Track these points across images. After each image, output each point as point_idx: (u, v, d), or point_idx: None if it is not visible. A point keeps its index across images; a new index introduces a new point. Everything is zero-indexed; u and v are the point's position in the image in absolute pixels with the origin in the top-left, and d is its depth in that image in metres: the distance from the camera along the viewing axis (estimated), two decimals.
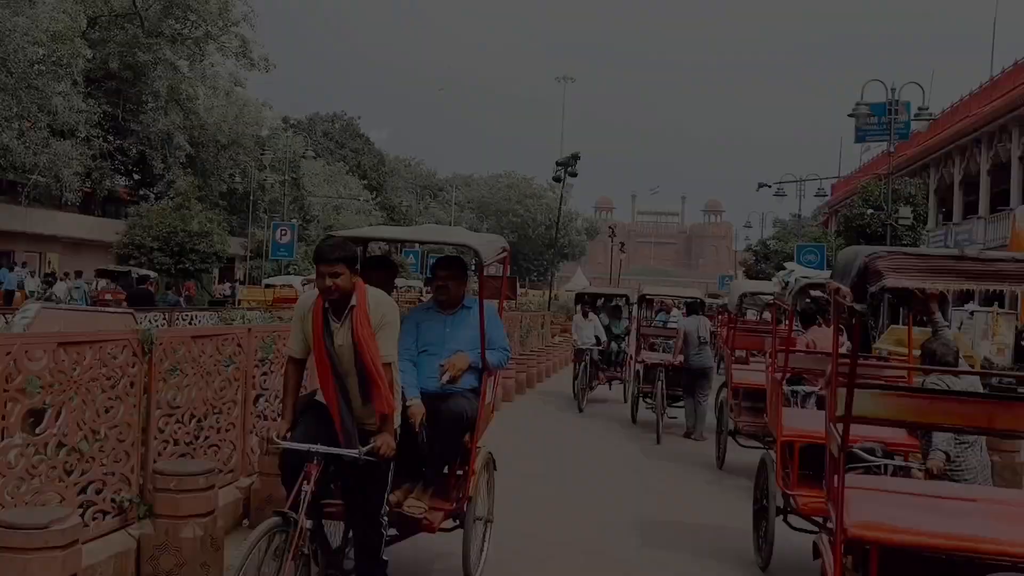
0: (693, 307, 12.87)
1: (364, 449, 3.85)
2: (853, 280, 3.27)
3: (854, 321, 3.91)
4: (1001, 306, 18.02)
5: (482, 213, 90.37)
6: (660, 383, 12.13)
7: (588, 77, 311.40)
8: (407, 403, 4.51)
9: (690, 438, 12.10)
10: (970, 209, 31.06)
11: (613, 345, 15.46)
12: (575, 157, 26.58)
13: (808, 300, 8.76)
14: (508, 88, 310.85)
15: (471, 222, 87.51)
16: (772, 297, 9.78)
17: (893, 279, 3.06)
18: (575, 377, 14.89)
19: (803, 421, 6.86)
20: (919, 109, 22.26)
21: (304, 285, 22.36)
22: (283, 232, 30.34)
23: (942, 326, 6.90)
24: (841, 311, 4.56)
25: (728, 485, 9.30)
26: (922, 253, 3.21)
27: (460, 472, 5.06)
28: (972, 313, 17.98)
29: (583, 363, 14.54)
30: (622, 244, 54.88)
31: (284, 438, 3.99)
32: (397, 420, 4.16)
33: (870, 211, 23.71)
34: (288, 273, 33.66)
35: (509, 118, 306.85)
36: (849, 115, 22.45)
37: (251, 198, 40.61)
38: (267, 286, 23.75)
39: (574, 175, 26.78)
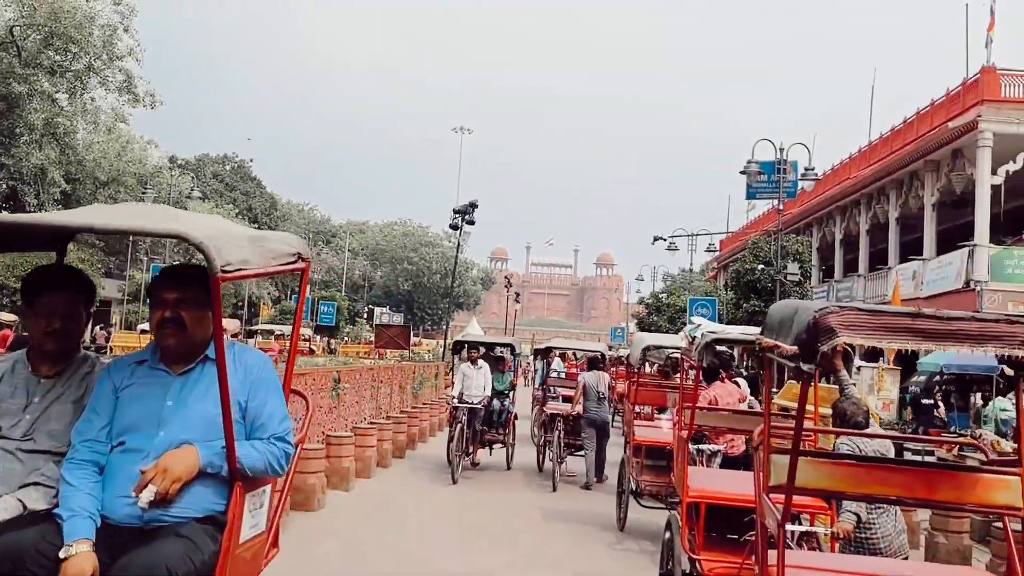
0: (594, 362, 13.12)
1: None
2: (799, 337, 2.90)
3: (800, 380, 3.56)
4: (885, 361, 18.51)
5: (376, 260, 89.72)
6: (558, 432, 12.37)
7: (485, 128, 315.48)
8: (65, 552, 2.51)
9: (588, 489, 12.22)
10: (850, 267, 32.31)
11: (495, 402, 13.34)
12: (473, 205, 26.30)
13: (713, 356, 8.56)
14: (404, 138, 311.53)
15: (364, 269, 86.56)
16: (678, 351, 9.60)
17: (847, 336, 2.71)
18: (451, 440, 12.35)
19: (710, 481, 6.60)
20: (805, 169, 22.97)
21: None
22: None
23: (848, 384, 6.72)
24: (770, 367, 4.26)
25: (630, 548, 8.89)
26: (875, 310, 2.88)
27: None
28: (859, 368, 18.37)
29: (460, 422, 12.20)
30: (517, 295, 54.99)
31: None
32: None
33: (760, 266, 24.23)
34: None
35: (405, 168, 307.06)
36: (741, 172, 22.99)
37: (130, 238, 38.56)
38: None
39: (471, 223, 26.45)
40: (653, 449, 9.95)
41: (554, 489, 11.73)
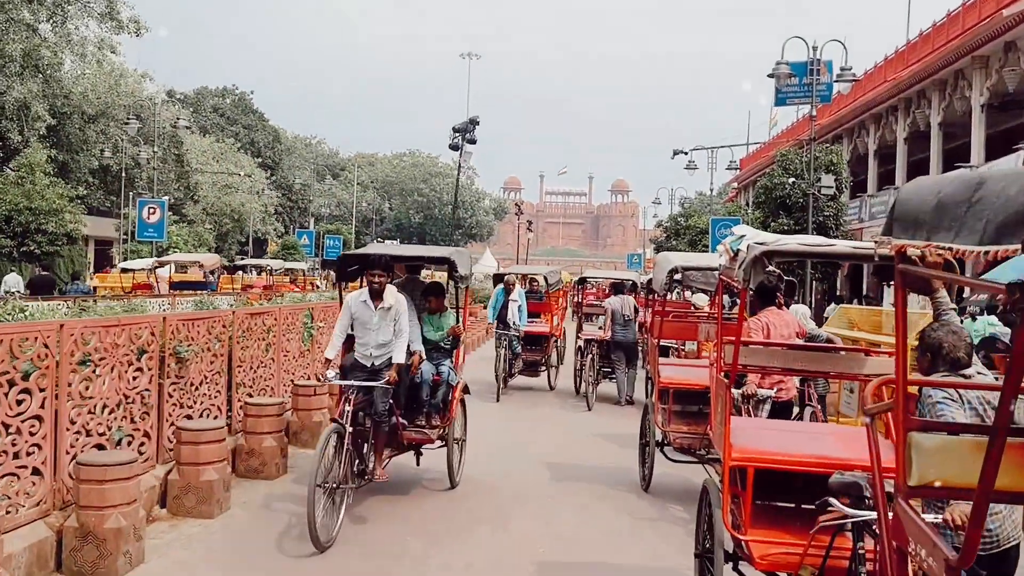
0: (618, 287, 13.98)
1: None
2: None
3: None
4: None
5: (386, 192, 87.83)
6: (591, 356, 13.10)
7: (494, 55, 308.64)
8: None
9: (619, 405, 13.01)
10: (885, 180, 30.07)
11: (424, 369, 11.12)
12: (473, 123, 24.14)
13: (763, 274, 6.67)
14: (413, 68, 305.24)
15: (373, 202, 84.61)
16: (714, 272, 7.79)
17: None
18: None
19: (759, 437, 5.02)
20: (841, 69, 20.71)
21: (155, 269, 19.23)
22: (151, 210, 26.95)
23: (947, 308, 4.57)
24: (908, 286, 2.54)
25: (658, 515, 7.17)
26: None
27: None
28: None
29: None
30: (529, 222, 53.09)
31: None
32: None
33: (791, 180, 22.12)
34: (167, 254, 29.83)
35: (414, 99, 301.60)
36: (769, 75, 20.72)
37: (122, 175, 36.78)
38: (124, 271, 20.55)
39: (472, 142, 24.38)
40: (683, 393, 8.32)
41: (589, 408, 12.60)
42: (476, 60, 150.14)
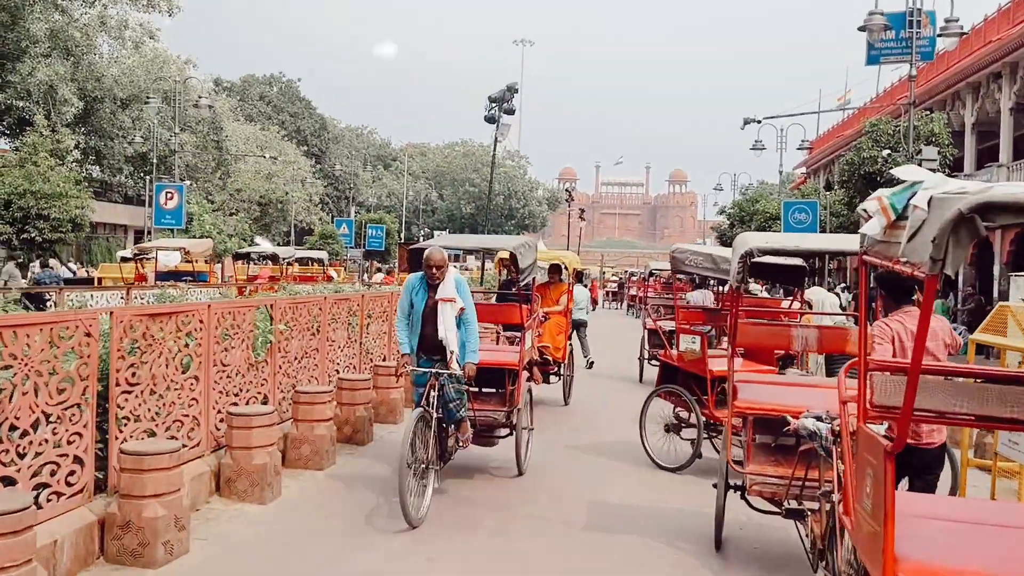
0: (698, 281, 13.22)
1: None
2: None
3: None
4: None
5: (437, 183, 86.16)
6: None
7: (550, 44, 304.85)
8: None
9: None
10: (986, 157, 26.52)
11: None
12: (512, 90, 21.45)
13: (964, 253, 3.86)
14: (467, 57, 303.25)
15: (425, 192, 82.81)
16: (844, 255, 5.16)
17: None
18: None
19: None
20: (946, 20, 17.51)
21: (137, 258, 16.99)
22: (169, 195, 24.81)
23: None
24: None
25: None
26: None
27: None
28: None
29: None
30: (582, 210, 50.23)
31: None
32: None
33: (886, 152, 18.94)
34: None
35: (467, 88, 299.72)
36: (860, 28, 17.60)
37: (153, 160, 35.00)
38: (123, 260, 18.35)
39: (511, 112, 21.68)
40: (768, 421, 5.81)
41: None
42: (530, 47, 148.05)
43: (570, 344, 11.46)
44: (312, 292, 10.63)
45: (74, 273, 19.61)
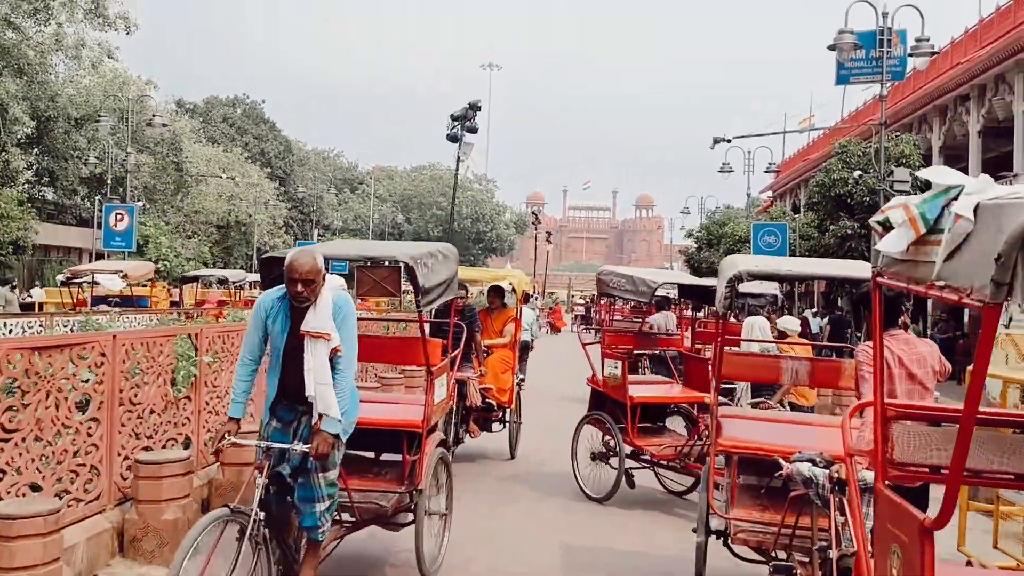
0: (660, 304, 11.94)
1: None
2: None
3: None
4: None
5: (404, 206, 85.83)
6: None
7: (518, 68, 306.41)
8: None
9: None
10: None
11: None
12: (474, 108, 20.79)
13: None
14: (434, 80, 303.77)
15: (392, 216, 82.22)
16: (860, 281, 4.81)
17: None
18: None
19: None
20: (916, 40, 17.22)
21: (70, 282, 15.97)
22: (119, 216, 23.81)
23: None
24: None
25: None
26: None
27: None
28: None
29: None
30: (548, 233, 49.74)
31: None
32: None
33: (857, 173, 18.59)
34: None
35: (434, 112, 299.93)
36: (829, 47, 17.26)
37: (108, 182, 33.98)
38: (64, 283, 17.31)
39: (473, 130, 21.03)
40: (754, 462, 5.33)
41: None
42: (497, 71, 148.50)
43: (519, 383, 9.43)
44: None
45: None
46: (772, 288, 9.58)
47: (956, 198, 2.37)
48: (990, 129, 23.84)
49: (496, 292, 9.52)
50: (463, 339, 7.33)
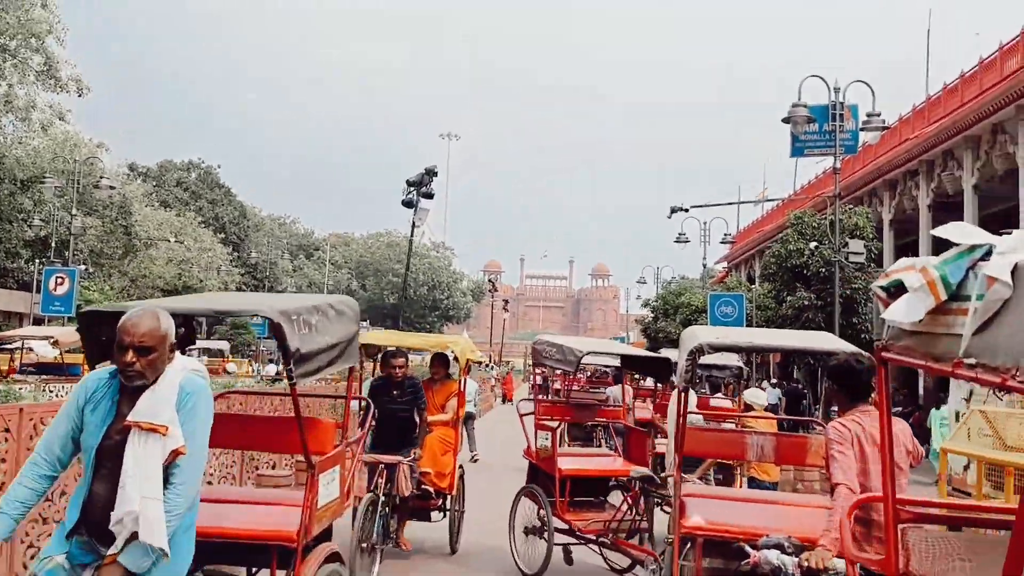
0: (616, 376, 11.74)
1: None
2: None
3: None
4: None
5: (360, 273, 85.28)
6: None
7: (475, 139, 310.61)
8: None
9: None
10: (904, 252, 26.73)
11: None
12: (431, 174, 20.62)
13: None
14: (389, 148, 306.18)
15: (347, 282, 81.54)
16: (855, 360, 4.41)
17: None
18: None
19: None
20: (868, 115, 17.49)
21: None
22: (60, 280, 22.98)
23: None
24: None
25: None
26: None
27: None
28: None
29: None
30: (505, 301, 49.48)
31: None
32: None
33: (813, 244, 18.65)
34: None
35: (390, 179, 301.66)
36: (784, 120, 17.44)
37: (52, 245, 33.02)
38: None
39: (429, 196, 20.81)
40: (719, 544, 4.92)
41: None
42: (456, 140, 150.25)
43: (460, 469, 8.24)
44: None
45: None
46: (736, 360, 9.26)
47: (984, 258, 2.04)
48: (939, 203, 24.28)
49: (440, 361, 8.46)
50: (370, 415, 6.17)
